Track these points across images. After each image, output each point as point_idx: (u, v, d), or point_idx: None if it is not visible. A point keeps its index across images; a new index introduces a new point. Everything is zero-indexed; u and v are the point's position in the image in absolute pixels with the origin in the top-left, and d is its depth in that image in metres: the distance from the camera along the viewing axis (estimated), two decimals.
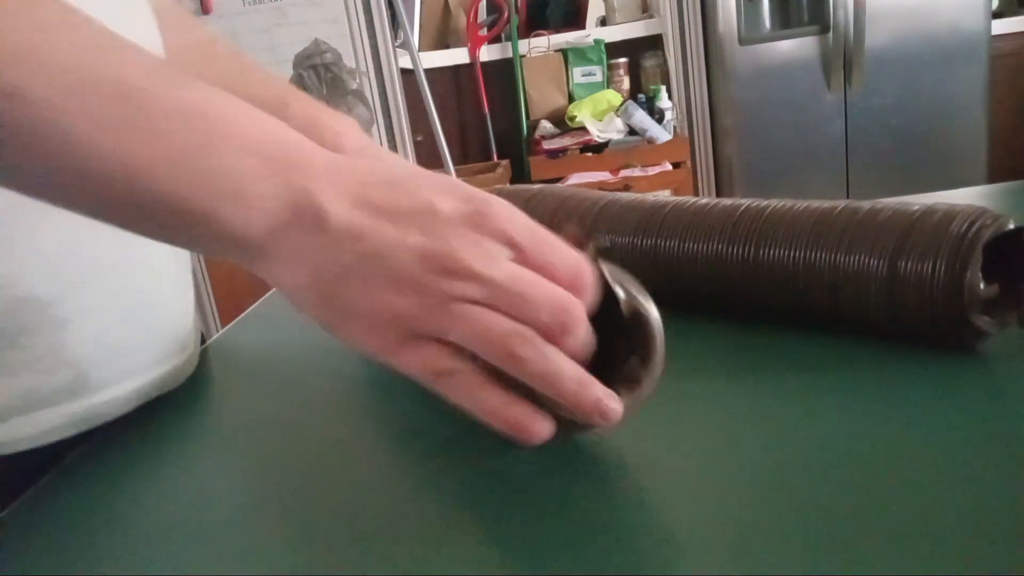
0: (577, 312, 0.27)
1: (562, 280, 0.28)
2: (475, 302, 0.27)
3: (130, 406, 0.46)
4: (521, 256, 0.28)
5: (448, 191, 0.29)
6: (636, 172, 2.23)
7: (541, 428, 0.28)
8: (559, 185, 0.59)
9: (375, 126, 2.36)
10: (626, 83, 2.45)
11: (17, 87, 0.24)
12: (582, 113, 2.31)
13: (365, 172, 0.29)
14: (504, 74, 2.45)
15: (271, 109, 0.60)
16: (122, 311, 0.45)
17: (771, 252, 0.42)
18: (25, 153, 0.25)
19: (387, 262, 0.27)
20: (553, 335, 0.27)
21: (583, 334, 0.28)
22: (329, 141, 0.55)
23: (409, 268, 0.27)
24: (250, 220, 0.27)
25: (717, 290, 0.44)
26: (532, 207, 0.56)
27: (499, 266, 0.27)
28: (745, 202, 0.44)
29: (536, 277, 0.27)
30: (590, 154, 2.27)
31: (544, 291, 0.27)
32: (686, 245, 0.45)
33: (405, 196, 0.28)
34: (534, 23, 2.46)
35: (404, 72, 2.40)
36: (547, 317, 0.27)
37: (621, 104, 2.31)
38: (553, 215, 0.52)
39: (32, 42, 0.25)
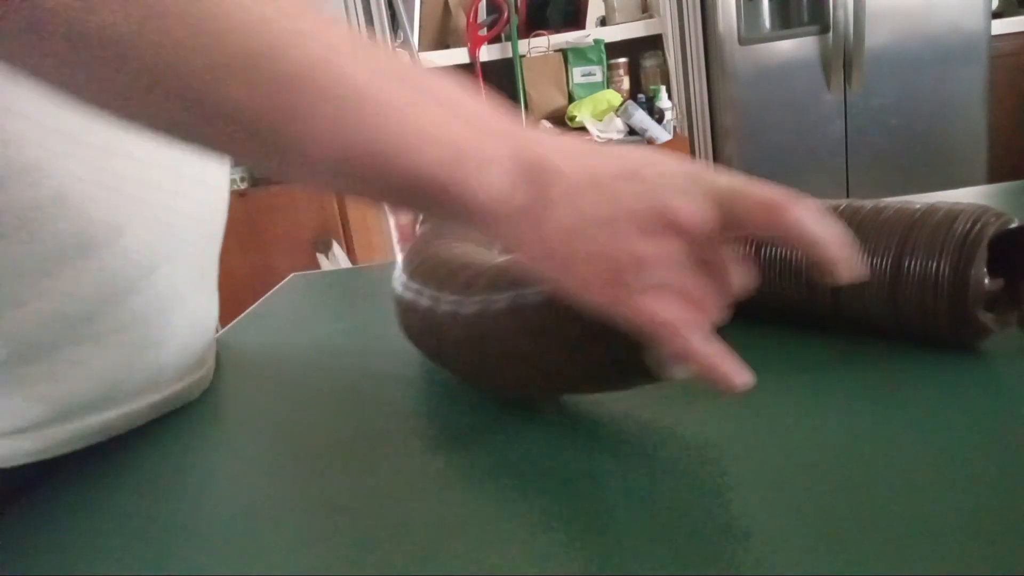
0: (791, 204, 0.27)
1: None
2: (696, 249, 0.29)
3: (143, 420, 0.46)
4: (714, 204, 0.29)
5: (650, 160, 0.30)
6: None
7: (746, 380, 0.29)
8: None
9: None
10: (626, 83, 2.45)
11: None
12: (582, 113, 2.31)
13: (577, 143, 0.31)
14: (504, 74, 2.45)
15: None
16: (150, 330, 0.45)
17: (773, 252, 0.42)
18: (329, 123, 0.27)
19: (616, 215, 0.28)
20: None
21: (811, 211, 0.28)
22: None
23: (633, 221, 0.28)
24: (492, 184, 0.29)
25: None
26: None
27: (704, 210, 0.29)
28: None
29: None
30: None
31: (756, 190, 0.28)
32: None
33: (618, 160, 0.30)
34: (534, 23, 2.46)
35: None
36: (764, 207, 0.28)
37: (621, 104, 2.31)
38: None
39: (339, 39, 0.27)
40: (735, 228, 0.28)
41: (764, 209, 0.28)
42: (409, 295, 0.44)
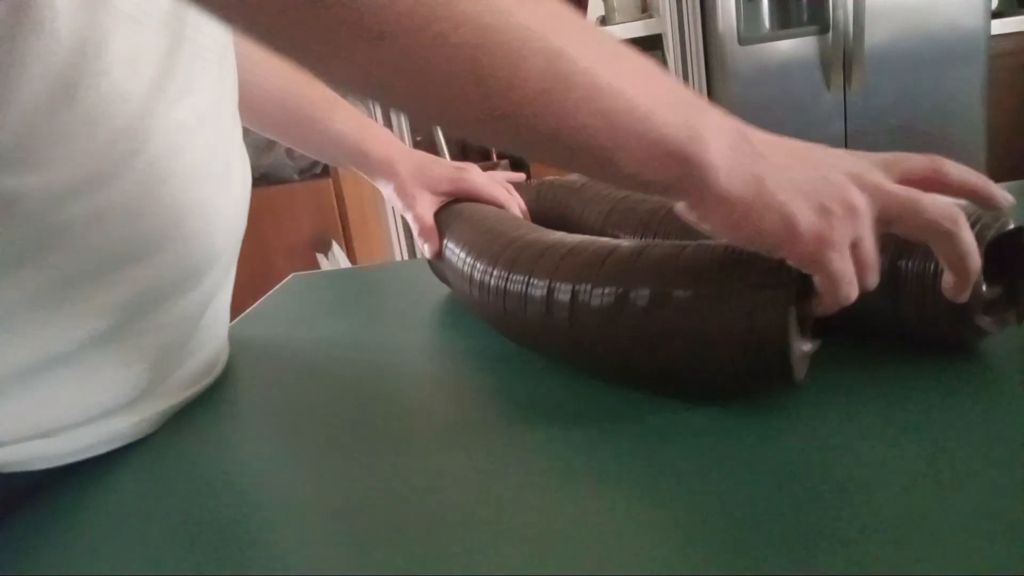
0: (961, 220, 0.32)
1: (926, 185, 0.34)
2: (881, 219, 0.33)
3: (152, 428, 0.46)
4: (893, 171, 0.34)
5: (822, 152, 0.35)
6: None
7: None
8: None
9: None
10: None
11: (564, 49, 0.29)
12: None
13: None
14: None
15: (323, 106, 0.64)
16: (181, 337, 0.46)
17: None
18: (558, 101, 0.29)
19: (830, 178, 0.32)
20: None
21: (966, 231, 0.33)
22: (370, 138, 0.63)
23: (846, 183, 0.32)
24: (721, 148, 0.32)
25: None
26: (586, 198, 0.59)
27: (893, 185, 0.33)
28: None
29: (920, 193, 0.33)
30: None
31: (931, 203, 0.32)
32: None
33: (803, 146, 0.35)
34: None
35: None
36: (937, 220, 0.32)
37: None
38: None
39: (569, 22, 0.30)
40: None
41: (929, 170, 0.34)
42: (502, 284, 0.45)
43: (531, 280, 0.42)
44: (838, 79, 2.12)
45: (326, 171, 2.02)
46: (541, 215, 0.65)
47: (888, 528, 0.26)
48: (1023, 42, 2.34)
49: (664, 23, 2.31)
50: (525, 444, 0.36)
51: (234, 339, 0.62)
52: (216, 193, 0.45)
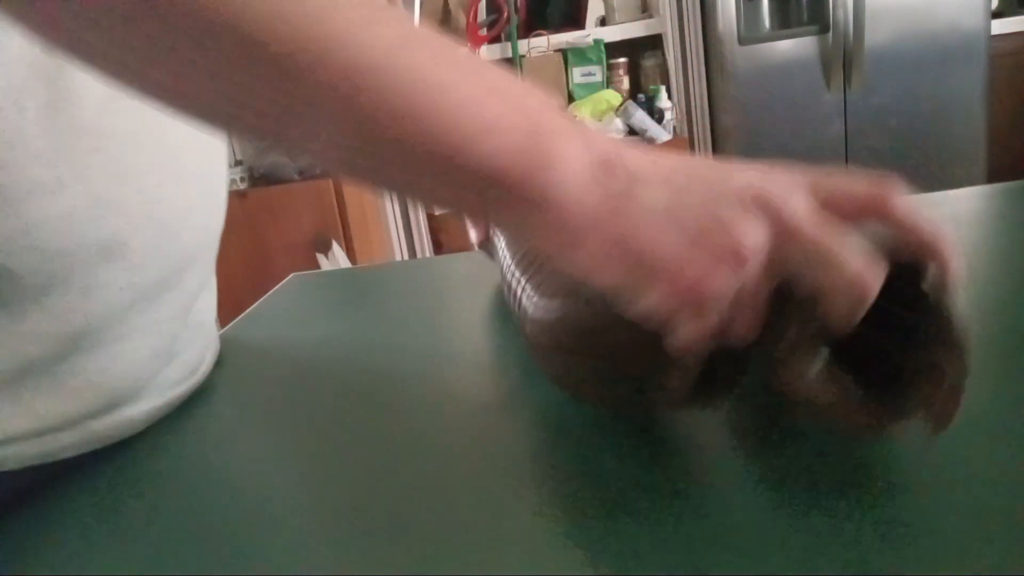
0: (875, 285, 0.25)
1: (862, 215, 0.27)
2: (780, 262, 0.26)
3: (139, 427, 0.46)
4: (821, 192, 0.27)
5: (729, 166, 0.28)
6: None
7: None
8: None
9: None
10: (626, 83, 2.45)
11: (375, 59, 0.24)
12: (582, 113, 2.31)
13: (644, 148, 0.29)
14: None
15: None
16: (156, 339, 0.46)
17: None
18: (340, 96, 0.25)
19: (715, 205, 0.26)
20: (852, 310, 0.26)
21: (869, 303, 0.25)
22: None
23: (738, 213, 0.25)
24: (571, 176, 0.26)
25: None
26: None
27: (809, 219, 0.26)
28: None
29: (841, 238, 0.25)
30: None
31: (849, 257, 0.25)
32: None
33: (698, 162, 0.28)
34: (534, 23, 2.46)
35: None
36: (846, 282, 0.25)
37: (621, 104, 2.31)
38: None
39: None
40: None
41: (870, 199, 0.27)
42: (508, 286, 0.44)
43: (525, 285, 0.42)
44: (838, 79, 2.12)
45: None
46: None
47: (888, 528, 0.26)
48: (1023, 42, 2.34)
49: (664, 23, 2.31)
50: (526, 444, 0.36)
51: (234, 339, 0.62)
52: (183, 191, 0.45)
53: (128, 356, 0.43)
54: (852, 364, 0.28)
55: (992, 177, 2.20)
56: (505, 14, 2.38)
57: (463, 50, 0.27)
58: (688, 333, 0.27)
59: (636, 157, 0.28)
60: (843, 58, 2.10)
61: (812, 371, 0.27)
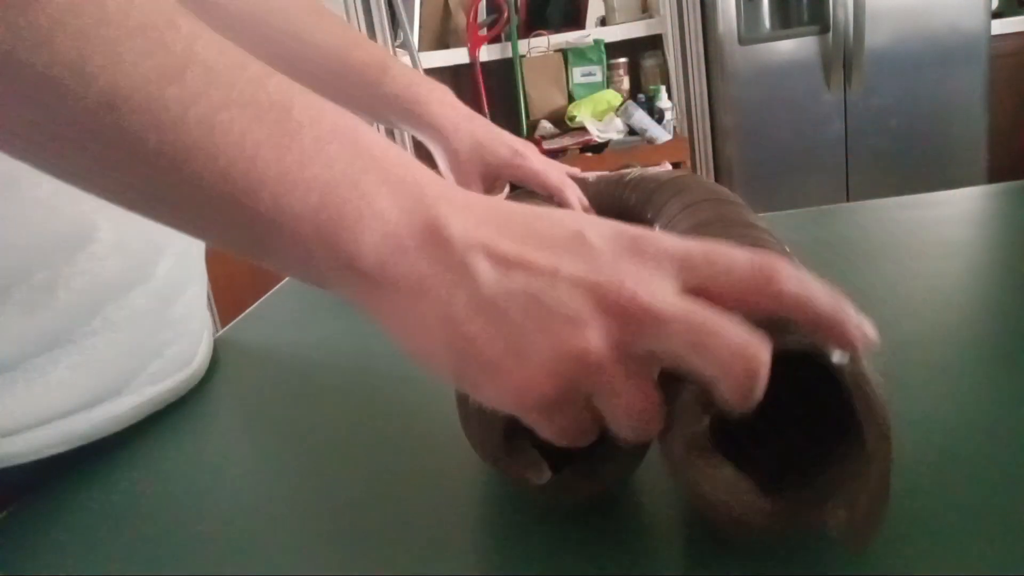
0: (763, 357, 0.22)
1: (745, 300, 0.23)
2: (649, 353, 0.23)
3: (132, 421, 0.46)
4: (692, 277, 0.23)
5: (594, 222, 0.25)
6: None
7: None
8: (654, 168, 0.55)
9: (375, 125, 2.36)
10: (626, 83, 2.45)
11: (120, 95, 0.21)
12: (582, 113, 2.31)
13: (502, 205, 0.25)
14: (504, 74, 2.45)
15: (374, 70, 0.60)
16: (140, 329, 0.46)
17: None
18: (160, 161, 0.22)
19: (547, 296, 0.22)
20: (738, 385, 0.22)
21: (763, 379, 0.22)
22: (424, 101, 0.59)
23: (575, 303, 0.22)
24: (368, 240, 0.23)
25: None
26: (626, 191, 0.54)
27: (672, 302, 0.22)
28: None
29: (715, 315, 0.22)
30: (590, 154, 2.27)
31: (726, 333, 0.22)
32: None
33: (550, 226, 0.24)
34: (534, 23, 2.46)
35: None
36: (728, 361, 0.22)
37: (621, 104, 2.31)
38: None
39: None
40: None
41: (751, 279, 0.23)
42: None
43: None
44: (838, 79, 2.12)
45: None
46: (600, 211, 0.58)
47: (888, 528, 0.26)
48: (1023, 42, 2.34)
49: (664, 23, 2.31)
50: None
51: (233, 340, 0.62)
52: None
53: (103, 351, 0.43)
54: (764, 466, 0.26)
55: (992, 177, 2.20)
56: (505, 14, 2.37)
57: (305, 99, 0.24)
58: (545, 434, 0.25)
59: (473, 225, 0.24)
60: (843, 58, 2.10)
61: (716, 475, 0.24)
